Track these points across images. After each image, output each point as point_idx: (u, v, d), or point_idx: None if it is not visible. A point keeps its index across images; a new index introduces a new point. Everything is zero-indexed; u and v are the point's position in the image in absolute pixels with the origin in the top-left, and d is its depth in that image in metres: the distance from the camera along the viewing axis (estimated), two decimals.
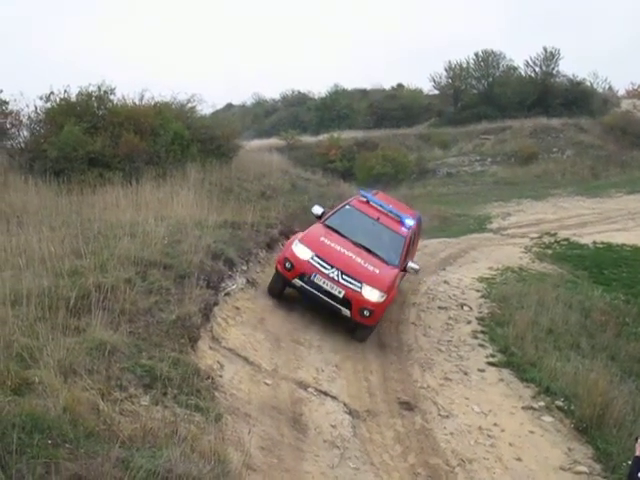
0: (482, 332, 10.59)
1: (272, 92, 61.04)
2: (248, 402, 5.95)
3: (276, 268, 9.39)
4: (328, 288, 8.93)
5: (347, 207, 10.66)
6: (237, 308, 8.22)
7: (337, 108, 45.65)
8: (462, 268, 15.10)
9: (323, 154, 34.11)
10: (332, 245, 9.43)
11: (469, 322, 11.02)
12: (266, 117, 54.59)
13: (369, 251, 9.80)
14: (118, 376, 4.74)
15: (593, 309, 13.86)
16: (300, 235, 9.76)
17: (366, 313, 8.98)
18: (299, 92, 56.76)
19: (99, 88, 15.82)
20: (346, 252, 9.40)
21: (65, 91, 15.50)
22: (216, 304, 7.59)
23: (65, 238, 7.44)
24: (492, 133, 38.94)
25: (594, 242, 20.83)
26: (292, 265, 9.10)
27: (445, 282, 13.29)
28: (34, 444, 3.01)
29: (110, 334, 5.23)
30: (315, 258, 9.06)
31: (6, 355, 4.11)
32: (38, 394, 3.72)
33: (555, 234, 21.39)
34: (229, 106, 59.10)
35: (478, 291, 12.90)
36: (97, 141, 14.53)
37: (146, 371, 5.01)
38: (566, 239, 20.93)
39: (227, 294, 8.24)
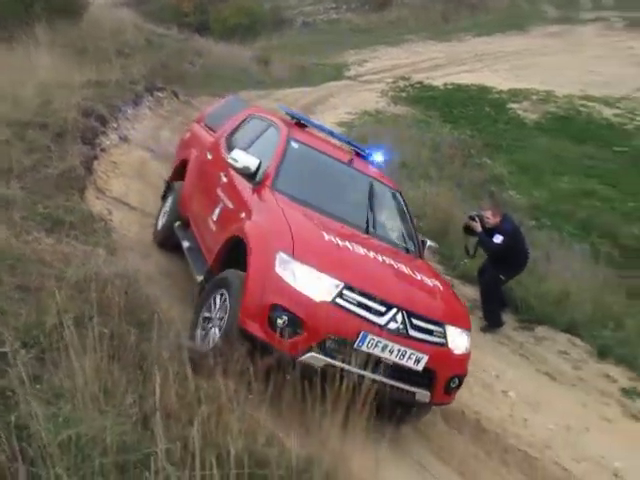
0: None
1: None
2: (140, 240, 6.65)
3: (241, 328, 4.27)
4: (394, 358, 4.39)
5: (293, 145, 5.75)
6: (114, 162, 8.60)
7: None
8: (322, 115, 15.91)
9: (175, 7, 32.70)
10: (350, 247, 4.78)
11: None
12: None
13: (376, 236, 5.51)
14: (21, 224, 5.20)
15: (442, 144, 15.33)
16: (276, 235, 4.56)
17: (454, 384, 4.84)
18: None
19: None
20: (378, 256, 4.92)
21: None
22: (95, 158, 7.98)
23: None
24: None
25: (445, 84, 22.24)
26: (298, 322, 4.18)
27: None
28: None
29: (4, 190, 5.63)
30: (348, 292, 4.33)
31: None
32: None
33: (409, 78, 22.55)
34: None
35: None
36: None
37: (45, 218, 5.51)
38: (419, 82, 22.17)
39: (102, 150, 8.57)
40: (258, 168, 5.41)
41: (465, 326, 4.96)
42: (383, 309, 4.39)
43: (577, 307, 8.18)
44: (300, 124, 6.47)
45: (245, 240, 4.64)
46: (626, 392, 6.93)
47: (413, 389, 4.56)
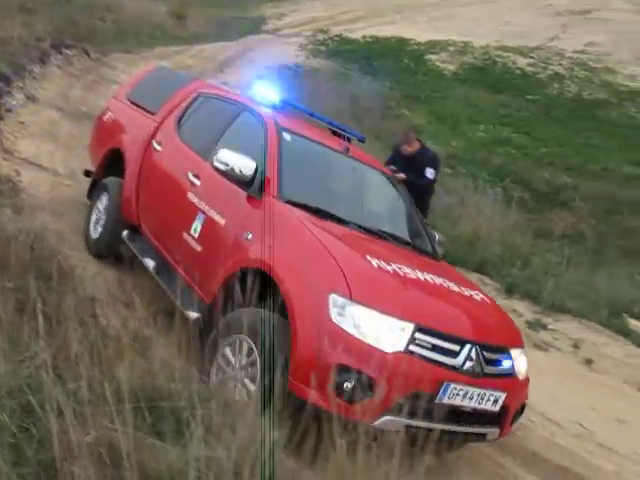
0: None
1: None
2: (52, 200, 6.53)
3: (290, 389, 3.36)
4: (474, 403, 3.70)
5: (286, 138, 4.71)
6: (22, 123, 8.33)
7: None
8: (240, 69, 15.77)
9: None
10: (399, 271, 3.92)
11: None
12: None
13: (404, 244, 4.79)
14: None
15: (361, 97, 15.49)
16: (320, 269, 3.65)
17: (519, 413, 4.21)
18: None
19: None
20: (427, 276, 4.10)
21: None
22: (0, 119, 7.73)
23: None
24: None
25: (364, 36, 22.35)
26: (370, 383, 3.32)
27: (224, 83, 13.93)
28: None
29: None
30: (420, 335, 3.50)
31: None
32: None
33: (328, 31, 22.55)
34: None
35: None
36: None
37: None
38: (338, 35, 22.21)
39: (8, 110, 8.29)
40: (255, 173, 4.31)
41: (521, 344, 4.25)
42: (457, 348, 3.61)
43: (487, 248, 8.61)
44: (277, 107, 5.20)
45: (273, 276, 3.64)
46: (530, 324, 7.39)
47: (484, 430, 3.92)
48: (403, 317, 3.45)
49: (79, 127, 9.09)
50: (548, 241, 10.31)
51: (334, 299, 3.41)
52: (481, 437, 4.00)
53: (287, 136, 4.74)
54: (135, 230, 5.46)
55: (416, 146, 7.33)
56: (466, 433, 3.82)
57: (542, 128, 16.57)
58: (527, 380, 4.14)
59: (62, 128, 8.67)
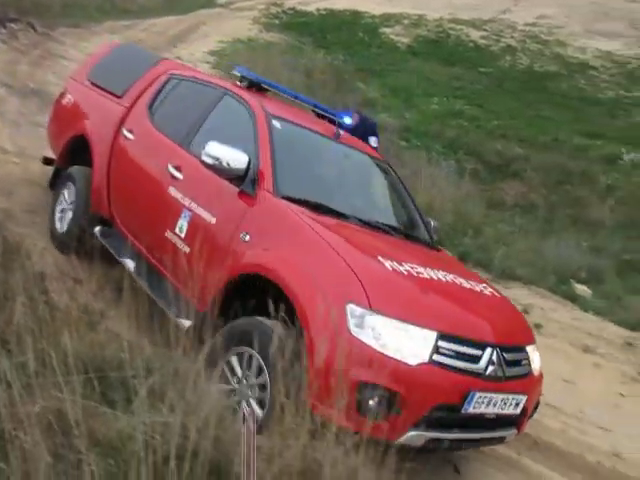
0: None
1: None
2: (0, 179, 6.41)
3: (311, 409, 2.58)
4: (497, 409, 3.57)
5: (276, 126, 4.31)
6: None
7: None
8: (194, 44, 15.59)
9: None
10: (413, 272, 3.66)
11: None
12: None
13: (407, 238, 4.56)
14: None
15: (315, 70, 15.49)
16: (333, 276, 3.36)
17: (535, 410, 4.12)
18: None
19: None
20: (439, 274, 3.84)
21: None
22: None
23: None
24: None
25: (318, 9, 22.22)
26: (395, 399, 3.12)
27: (177, 58, 13.76)
28: None
29: None
30: (444, 343, 3.29)
31: None
32: None
33: (281, 4, 22.36)
34: None
35: (209, 63, 13.72)
36: None
37: None
38: (292, 8, 22.04)
39: None
40: (248, 167, 3.94)
41: (534, 340, 4.08)
42: (479, 352, 3.42)
43: (440, 218, 8.73)
44: (259, 88, 4.92)
45: (280, 283, 3.37)
46: None
47: (504, 433, 3.81)
48: (425, 325, 3.25)
49: (27, 104, 8.92)
50: (500, 211, 10.55)
51: (352, 309, 3.17)
52: (500, 440, 3.93)
53: (277, 124, 4.34)
54: (106, 223, 5.10)
55: (356, 118, 7.39)
56: (487, 439, 3.81)
57: (494, 100, 16.80)
58: (541, 376, 4.02)
59: (9, 105, 8.47)
